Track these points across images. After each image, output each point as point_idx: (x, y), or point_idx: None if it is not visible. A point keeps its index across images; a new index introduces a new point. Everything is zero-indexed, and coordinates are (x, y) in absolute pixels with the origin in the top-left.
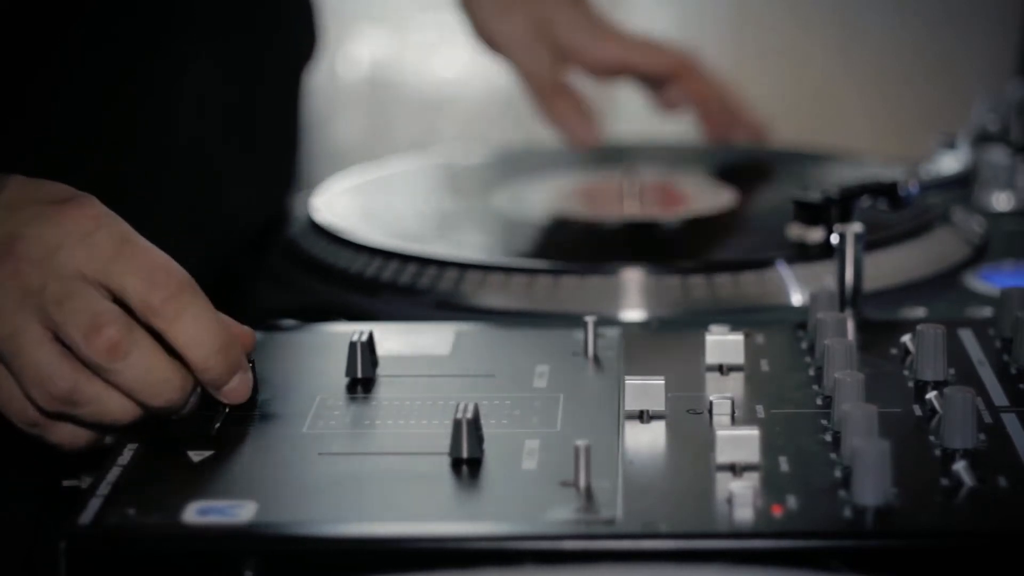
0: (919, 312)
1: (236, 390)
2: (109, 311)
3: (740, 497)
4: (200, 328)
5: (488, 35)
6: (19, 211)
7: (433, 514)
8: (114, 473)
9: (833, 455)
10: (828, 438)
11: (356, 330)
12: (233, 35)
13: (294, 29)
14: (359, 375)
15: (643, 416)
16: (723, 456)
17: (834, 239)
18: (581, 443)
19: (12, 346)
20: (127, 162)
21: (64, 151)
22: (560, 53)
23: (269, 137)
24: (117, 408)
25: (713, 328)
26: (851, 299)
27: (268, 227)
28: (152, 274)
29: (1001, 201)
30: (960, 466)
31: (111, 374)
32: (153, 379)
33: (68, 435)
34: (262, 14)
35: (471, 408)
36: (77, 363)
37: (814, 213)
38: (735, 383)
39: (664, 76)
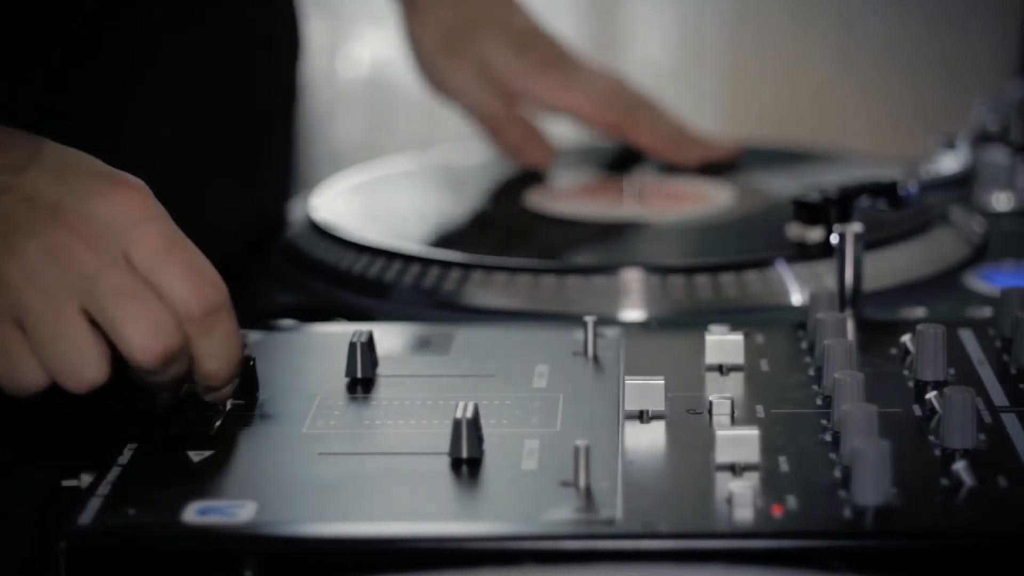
0: (919, 312)
1: (224, 394)
2: (169, 321)
3: (740, 497)
4: (226, 346)
5: (438, 84)
6: (66, 178)
7: (433, 514)
8: (114, 473)
9: (833, 455)
10: (828, 438)
11: (356, 330)
12: (221, 39)
13: (278, 29)
14: (359, 375)
15: (643, 416)
16: (723, 456)
17: (834, 239)
18: (581, 443)
19: (47, 326)
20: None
21: None
22: (508, 94)
23: (264, 139)
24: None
25: (713, 328)
26: (851, 299)
27: (268, 227)
28: (200, 284)
29: (1001, 201)
30: (960, 466)
31: (153, 377)
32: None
33: (28, 371)
34: (247, 16)
35: (471, 408)
36: (110, 353)
37: (814, 213)
38: (735, 383)
39: (604, 129)
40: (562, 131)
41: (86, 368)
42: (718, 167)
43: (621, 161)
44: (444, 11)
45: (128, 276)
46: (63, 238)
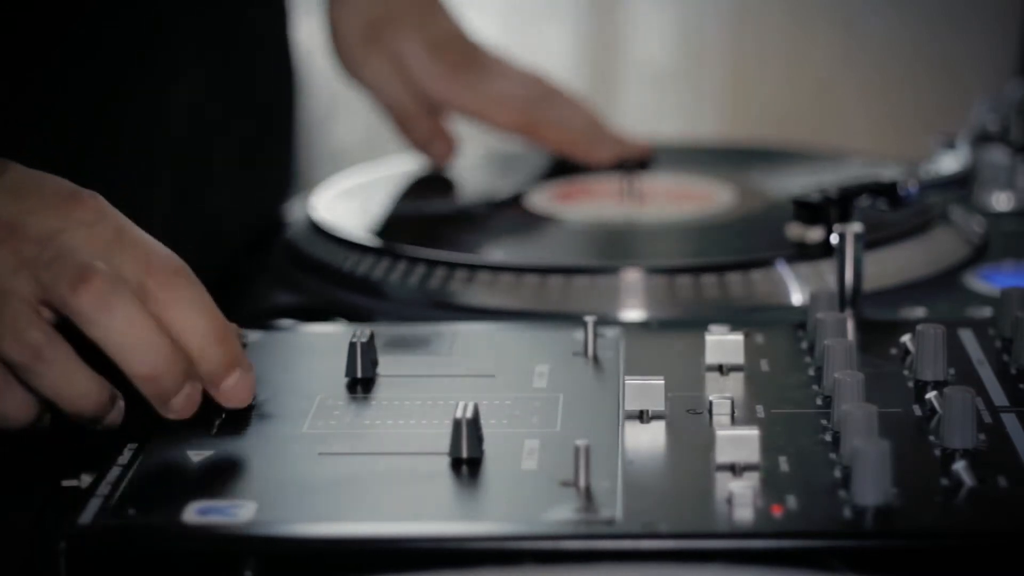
0: (919, 312)
1: (235, 388)
2: (96, 266)
3: (740, 497)
4: (196, 314)
5: (353, 72)
6: (23, 199)
7: (433, 514)
8: (114, 473)
9: (833, 455)
10: (828, 438)
11: (356, 330)
12: (220, 39)
13: (278, 30)
14: (359, 375)
15: (643, 416)
16: (723, 456)
17: (834, 239)
18: (581, 443)
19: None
20: (117, 167)
21: (53, 157)
22: (420, 92)
23: (265, 139)
24: (81, 382)
25: (713, 328)
26: (851, 299)
27: (268, 227)
28: (149, 259)
29: (1001, 201)
30: (960, 466)
31: (91, 328)
32: (131, 346)
33: (16, 404)
34: (257, 17)
35: (471, 408)
36: (53, 330)
37: (814, 213)
38: (735, 383)
39: (511, 132)
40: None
41: (26, 333)
42: (631, 165)
43: (622, 161)
44: (365, 3)
45: (64, 249)
46: (17, 244)
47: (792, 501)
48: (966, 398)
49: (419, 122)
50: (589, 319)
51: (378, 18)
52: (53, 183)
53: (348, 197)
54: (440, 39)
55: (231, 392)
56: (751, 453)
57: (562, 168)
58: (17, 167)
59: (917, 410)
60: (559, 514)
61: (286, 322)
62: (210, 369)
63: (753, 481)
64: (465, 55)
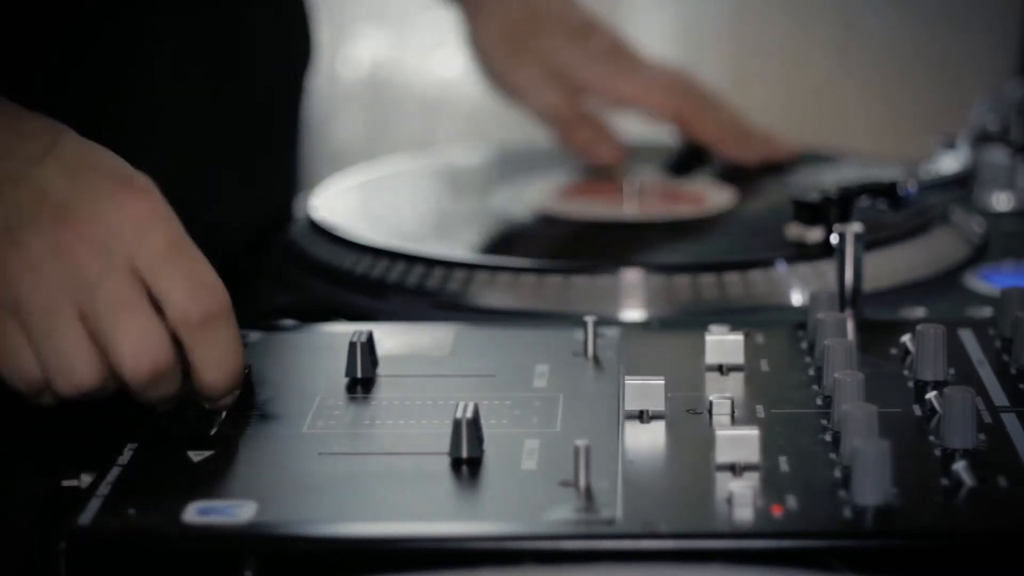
0: (919, 312)
1: (223, 404)
2: (161, 338)
3: (740, 497)
4: (225, 357)
5: (503, 84)
6: (76, 176)
7: (433, 514)
8: (114, 473)
9: (833, 455)
10: (828, 438)
11: (356, 330)
12: (229, 39)
13: (289, 35)
14: (359, 375)
15: (643, 416)
16: (723, 456)
17: (834, 239)
18: (581, 443)
19: (44, 323)
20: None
21: None
22: (573, 88)
23: (268, 141)
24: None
25: (713, 328)
26: (851, 299)
27: (268, 227)
28: (198, 290)
29: (1001, 201)
30: (960, 466)
31: (141, 393)
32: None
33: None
34: (258, 19)
35: (471, 408)
36: (104, 361)
37: (814, 213)
38: (735, 383)
39: (669, 119)
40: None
41: (75, 371)
42: (778, 166)
43: (622, 161)
44: (506, 9)
45: (127, 287)
46: (68, 239)
47: (792, 501)
48: (966, 398)
49: (580, 125)
50: (589, 319)
51: (519, 21)
52: (108, 162)
53: (348, 197)
54: (584, 29)
55: (219, 406)
56: (751, 453)
57: (563, 168)
58: (72, 135)
59: (917, 410)
60: (559, 514)
61: (286, 322)
62: (210, 396)
63: (753, 481)
64: (611, 44)
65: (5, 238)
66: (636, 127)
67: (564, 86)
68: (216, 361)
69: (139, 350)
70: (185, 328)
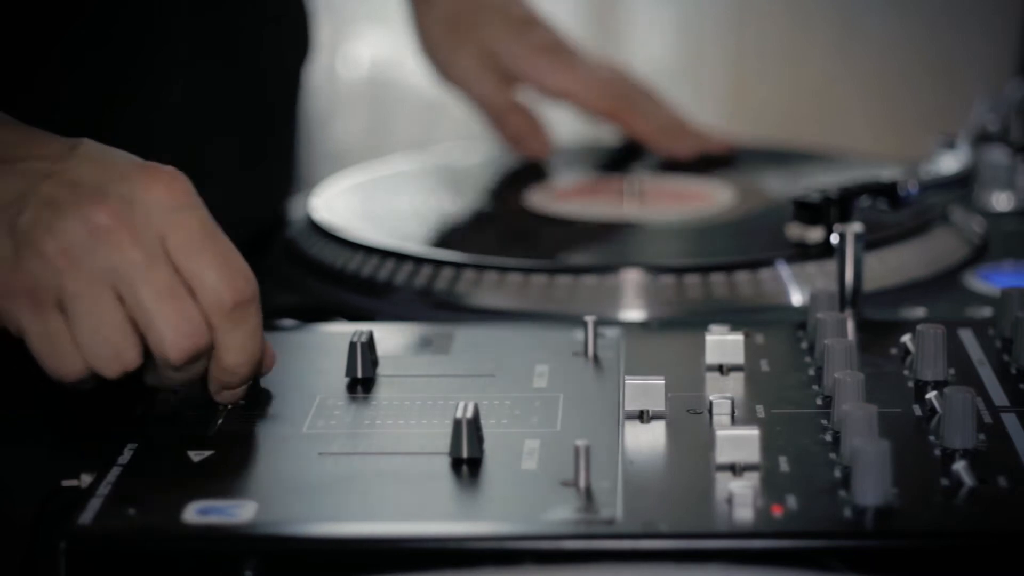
0: (919, 312)
1: (236, 395)
2: (200, 319)
3: (740, 497)
4: (250, 341)
5: (444, 72)
6: (106, 166)
7: (433, 514)
8: (114, 473)
9: (833, 455)
10: (828, 438)
11: (356, 330)
12: (227, 36)
13: (287, 29)
14: (359, 375)
15: (643, 416)
16: (723, 456)
17: (834, 239)
18: (581, 443)
19: (87, 309)
20: None
21: None
22: (510, 79)
23: (267, 138)
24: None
25: (713, 328)
26: (851, 299)
27: (268, 227)
28: (233, 276)
29: (1001, 201)
30: (960, 466)
31: (174, 372)
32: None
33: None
34: (255, 14)
35: (471, 408)
36: (142, 341)
37: (814, 213)
38: (735, 383)
39: (602, 115)
40: (564, 130)
41: (122, 353)
42: (713, 161)
43: (621, 160)
44: (449, 1)
45: (167, 272)
46: (107, 220)
47: (792, 501)
48: (966, 398)
49: (513, 117)
50: (589, 319)
51: (461, 11)
52: (126, 156)
53: (348, 197)
54: (525, 23)
55: (230, 397)
56: (751, 453)
57: (563, 168)
58: (91, 141)
59: (917, 410)
60: (559, 514)
61: (286, 322)
62: (229, 382)
63: (753, 481)
64: (551, 39)
65: (44, 234)
66: (576, 124)
67: (501, 76)
68: (242, 345)
69: (180, 331)
70: (218, 311)
